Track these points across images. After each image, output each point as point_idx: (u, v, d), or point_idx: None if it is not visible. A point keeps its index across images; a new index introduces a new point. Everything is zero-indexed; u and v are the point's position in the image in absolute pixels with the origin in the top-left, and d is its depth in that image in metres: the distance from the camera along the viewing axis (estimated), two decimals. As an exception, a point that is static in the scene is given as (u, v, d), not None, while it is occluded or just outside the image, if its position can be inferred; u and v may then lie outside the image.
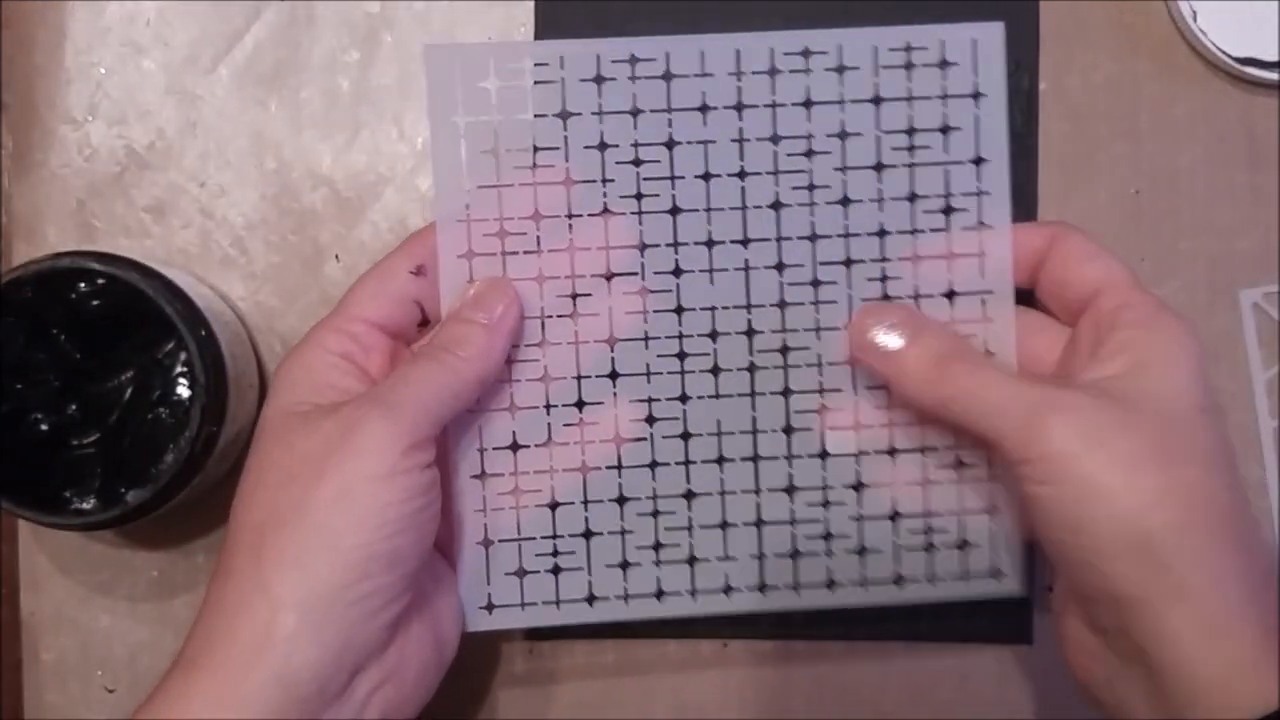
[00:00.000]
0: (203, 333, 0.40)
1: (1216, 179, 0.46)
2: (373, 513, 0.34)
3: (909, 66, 0.40)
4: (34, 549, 0.45)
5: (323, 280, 0.46)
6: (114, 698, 0.45)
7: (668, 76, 0.40)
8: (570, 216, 0.40)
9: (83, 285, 0.40)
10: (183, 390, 0.41)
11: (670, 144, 0.40)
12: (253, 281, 0.46)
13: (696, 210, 0.40)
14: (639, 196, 0.40)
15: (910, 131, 0.40)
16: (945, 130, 0.40)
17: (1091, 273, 0.39)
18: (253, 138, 0.46)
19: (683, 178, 0.40)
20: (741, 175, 0.40)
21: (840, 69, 0.40)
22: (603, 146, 0.40)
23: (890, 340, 0.39)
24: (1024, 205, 0.45)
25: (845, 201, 0.40)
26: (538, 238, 0.40)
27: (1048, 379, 0.39)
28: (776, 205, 0.40)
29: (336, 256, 0.46)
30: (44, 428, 0.41)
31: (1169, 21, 0.46)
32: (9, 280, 0.39)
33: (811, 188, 0.40)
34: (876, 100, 0.40)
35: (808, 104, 0.40)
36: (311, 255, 0.46)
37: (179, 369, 0.41)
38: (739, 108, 0.40)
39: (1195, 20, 0.45)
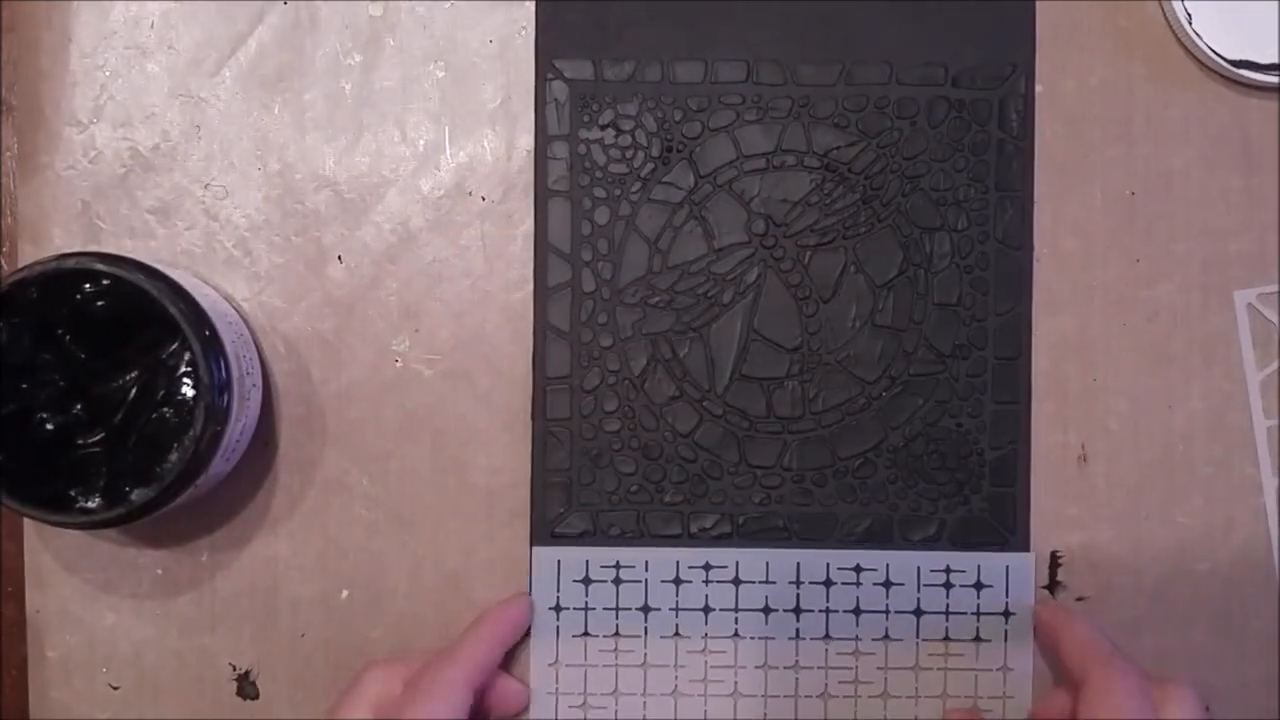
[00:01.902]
0: (207, 333, 0.41)
1: (1211, 181, 0.46)
2: None
3: (948, 586, 0.45)
4: (39, 547, 0.46)
5: (326, 281, 0.46)
6: (119, 695, 0.46)
7: (736, 581, 0.45)
8: (645, 695, 0.45)
9: (88, 286, 0.40)
10: (187, 390, 0.41)
11: (736, 637, 0.45)
12: (256, 282, 0.46)
13: (755, 696, 0.45)
14: (705, 681, 0.45)
15: (946, 640, 0.45)
16: (977, 640, 0.45)
17: None
18: (256, 140, 0.46)
19: (744, 668, 0.45)
20: (796, 668, 0.45)
21: (887, 584, 0.45)
22: (677, 636, 0.45)
23: None
24: (1020, 208, 0.45)
25: (885, 695, 0.45)
26: (615, 711, 0.45)
27: None
28: (825, 695, 0.45)
29: (339, 257, 0.46)
30: (49, 427, 0.41)
31: (1164, 24, 0.46)
32: (15, 281, 0.40)
33: (856, 682, 0.45)
34: (918, 612, 0.45)
35: (857, 611, 0.45)
36: (315, 256, 0.46)
37: (183, 369, 0.41)
38: (797, 611, 0.45)
39: (1190, 23, 0.45)
